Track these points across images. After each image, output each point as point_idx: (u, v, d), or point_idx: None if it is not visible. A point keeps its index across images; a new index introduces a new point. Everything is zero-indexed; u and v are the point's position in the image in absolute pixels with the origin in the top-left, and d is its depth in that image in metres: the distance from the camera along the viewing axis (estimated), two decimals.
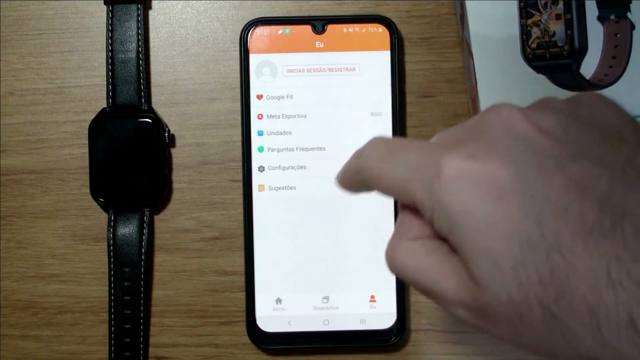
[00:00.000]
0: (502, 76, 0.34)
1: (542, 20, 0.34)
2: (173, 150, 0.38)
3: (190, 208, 0.38)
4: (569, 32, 0.34)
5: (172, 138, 0.38)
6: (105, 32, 0.37)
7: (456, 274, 0.19)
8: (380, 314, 0.36)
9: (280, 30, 0.36)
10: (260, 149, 0.36)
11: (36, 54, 0.38)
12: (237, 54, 0.37)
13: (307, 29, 0.36)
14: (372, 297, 0.36)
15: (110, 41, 0.37)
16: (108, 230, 0.37)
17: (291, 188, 0.36)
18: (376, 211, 0.36)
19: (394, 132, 0.36)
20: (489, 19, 0.34)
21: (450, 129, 0.21)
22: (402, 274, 0.21)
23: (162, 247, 0.38)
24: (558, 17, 0.34)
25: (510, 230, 0.17)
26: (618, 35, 0.34)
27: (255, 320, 0.36)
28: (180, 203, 0.38)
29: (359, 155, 0.22)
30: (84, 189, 0.37)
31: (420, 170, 0.19)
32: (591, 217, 0.17)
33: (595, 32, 0.34)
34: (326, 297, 0.36)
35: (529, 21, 0.34)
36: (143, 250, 0.37)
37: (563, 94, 0.34)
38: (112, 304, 0.36)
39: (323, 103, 0.36)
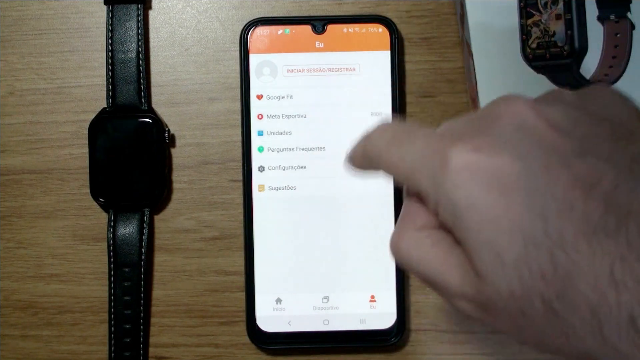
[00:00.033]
0: (502, 76, 0.34)
1: (542, 20, 0.34)
2: (173, 150, 0.38)
3: (190, 208, 0.38)
4: (569, 32, 0.34)
5: (172, 138, 0.38)
6: (105, 32, 0.37)
7: (460, 267, 0.19)
8: (380, 314, 0.36)
9: (280, 30, 0.36)
10: (260, 149, 0.36)
11: (36, 54, 0.38)
12: (237, 54, 0.37)
13: (307, 29, 0.36)
14: (372, 297, 0.36)
15: (110, 41, 0.37)
16: (108, 230, 0.37)
17: (291, 188, 0.36)
18: (376, 211, 0.36)
19: None
20: (489, 19, 0.34)
21: (457, 119, 0.21)
22: (406, 264, 0.21)
23: (162, 247, 0.38)
24: (558, 17, 0.34)
25: (514, 225, 0.17)
26: (618, 35, 0.34)
27: (255, 320, 0.36)
28: (180, 203, 0.38)
29: (366, 138, 0.22)
30: (84, 189, 0.37)
31: (426, 160, 0.19)
32: (596, 215, 0.17)
33: (595, 32, 0.34)
34: (326, 297, 0.36)
35: (529, 21, 0.34)
36: (143, 250, 0.37)
37: None
38: (112, 304, 0.36)
39: (323, 103, 0.36)
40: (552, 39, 0.34)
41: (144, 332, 0.37)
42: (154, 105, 0.38)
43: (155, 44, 0.38)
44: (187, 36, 0.38)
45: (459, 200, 0.18)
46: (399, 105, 0.36)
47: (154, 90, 0.38)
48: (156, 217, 0.38)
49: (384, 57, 0.36)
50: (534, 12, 0.34)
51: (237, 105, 0.37)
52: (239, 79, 0.37)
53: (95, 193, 0.36)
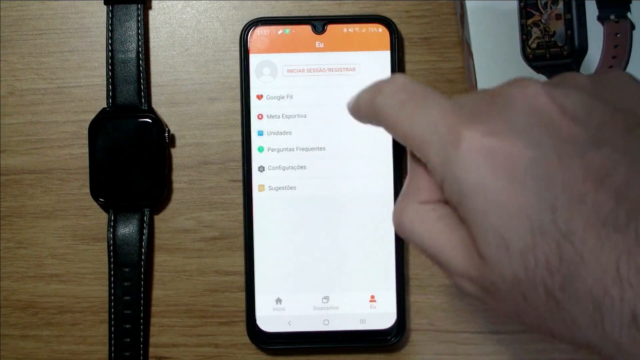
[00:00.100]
0: (502, 76, 0.34)
1: (542, 20, 0.34)
2: (173, 150, 0.38)
3: (190, 208, 0.38)
4: (569, 32, 0.34)
5: (172, 138, 0.38)
6: (105, 32, 0.37)
7: (463, 246, 0.19)
8: (380, 314, 0.36)
9: (280, 30, 0.36)
10: (260, 149, 0.36)
11: (36, 54, 0.38)
12: (237, 54, 0.37)
13: (307, 29, 0.36)
14: (372, 297, 0.36)
15: (110, 41, 0.37)
16: (108, 230, 0.37)
17: (291, 188, 0.36)
18: (376, 211, 0.36)
19: None
20: (489, 19, 0.34)
21: (471, 96, 0.20)
22: (408, 238, 0.21)
23: (162, 247, 0.38)
24: (558, 17, 0.34)
25: (523, 213, 0.17)
26: (618, 35, 0.34)
27: (255, 320, 0.36)
28: (180, 203, 0.38)
29: (377, 91, 0.22)
30: (84, 189, 0.37)
31: (438, 134, 0.19)
32: (606, 208, 0.17)
33: (595, 32, 0.34)
34: (326, 297, 0.36)
35: (529, 21, 0.34)
36: (143, 250, 0.37)
37: None
38: (112, 304, 0.36)
39: (323, 103, 0.36)
40: (552, 39, 0.34)
41: (144, 332, 0.37)
42: (154, 105, 0.38)
43: (155, 44, 0.38)
44: (187, 36, 0.38)
45: (468, 181, 0.18)
46: None
47: (154, 90, 0.38)
48: (156, 217, 0.38)
49: (384, 57, 0.36)
50: (534, 12, 0.34)
51: (237, 105, 0.37)
52: (239, 79, 0.37)
53: (95, 193, 0.36)
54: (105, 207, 0.37)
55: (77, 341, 0.37)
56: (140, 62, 0.37)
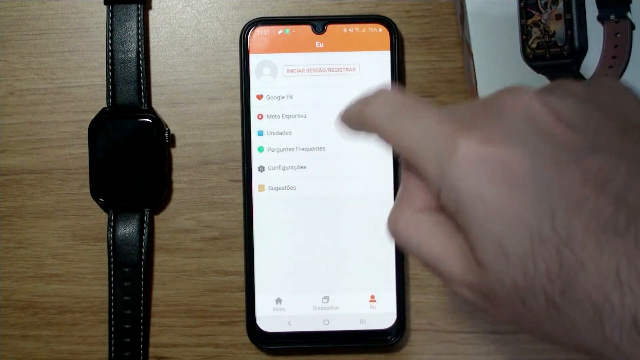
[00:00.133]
0: (502, 76, 0.34)
1: (542, 20, 0.34)
2: (173, 150, 0.38)
3: (190, 208, 0.38)
4: (569, 32, 0.34)
5: (172, 138, 0.38)
6: (105, 32, 0.37)
7: (461, 254, 0.19)
8: (380, 314, 0.36)
9: (280, 30, 0.37)
10: (260, 149, 0.36)
11: (36, 54, 0.38)
12: (237, 54, 0.37)
13: (307, 29, 0.36)
14: (372, 297, 0.36)
15: (110, 41, 0.37)
16: (108, 230, 0.37)
17: (291, 188, 0.36)
18: (376, 211, 0.36)
19: None
20: (489, 19, 0.34)
21: (462, 105, 0.20)
22: (404, 246, 0.21)
23: (162, 247, 0.38)
24: (558, 17, 0.34)
25: (522, 220, 0.17)
26: (618, 35, 0.34)
27: (255, 320, 0.36)
28: (180, 203, 0.38)
29: (365, 104, 0.21)
30: (84, 189, 0.37)
31: (432, 144, 0.19)
32: (606, 214, 0.16)
33: (595, 32, 0.34)
34: (326, 297, 0.36)
35: (529, 21, 0.34)
36: (143, 250, 0.37)
37: None
38: (112, 304, 0.36)
39: (323, 103, 0.36)
40: (552, 39, 0.34)
41: (144, 332, 0.37)
42: (154, 105, 0.38)
43: (155, 44, 0.38)
44: (187, 36, 0.38)
45: (466, 190, 0.18)
46: None
47: (154, 90, 0.38)
48: (156, 217, 0.38)
49: (384, 57, 0.36)
50: (534, 12, 0.34)
51: (237, 105, 0.37)
52: (239, 79, 0.37)
53: (95, 193, 0.36)
54: (105, 207, 0.37)
55: (77, 341, 0.37)
56: (140, 62, 0.37)
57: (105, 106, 0.37)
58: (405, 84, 0.38)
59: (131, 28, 0.37)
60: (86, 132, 0.37)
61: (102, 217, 0.37)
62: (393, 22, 0.36)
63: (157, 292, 0.37)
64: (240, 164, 0.37)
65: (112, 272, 0.37)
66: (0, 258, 0.38)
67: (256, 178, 0.36)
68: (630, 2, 0.34)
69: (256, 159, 0.36)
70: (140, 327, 0.37)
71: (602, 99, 0.19)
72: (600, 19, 0.34)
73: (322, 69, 0.36)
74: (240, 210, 0.37)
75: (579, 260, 0.16)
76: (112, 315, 0.36)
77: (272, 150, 0.36)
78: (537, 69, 0.34)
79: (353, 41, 0.36)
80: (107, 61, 0.37)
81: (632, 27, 0.34)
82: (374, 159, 0.36)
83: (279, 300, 0.36)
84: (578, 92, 0.20)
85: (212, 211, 0.38)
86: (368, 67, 0.36)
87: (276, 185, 0.36)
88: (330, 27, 0.36)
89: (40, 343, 0.37)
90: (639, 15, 0.34)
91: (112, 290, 0.37)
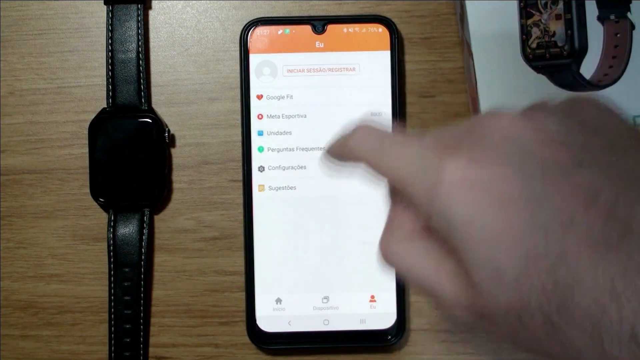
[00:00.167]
0: (502, 76, 0.34)
1: (542, 20, 0.34)
2: (173, 150, 0.38)
3: (190, 208, 0.38)
4: (569, 32, 0.34)
5: (172, 138, 0.38)
6: (105, 32, 0.37)
7: (454, 277, 0.19)
8: (380, 314, 0.36)
9: (280, 30, 0.36)
10: (260, 149, 0.36)
11: (36, 54, 0.38)
12: (237, 54, 0.37)
13: (307, 29, 0.36)
14: (372, 297, 0.36)
15: (110, 41, 0.37)
16: (108, 230, 0.37)
17: (291, 188, 0.36)
18: (376, 211, 0.36)
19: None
20: (489, 19, 0.34)
21: (447, 129, 0.20)
22: (397, 271, 0.21)
23: (162, 247, 0.38)
24: (558, 17, 0.34)
25: (515, 240, 0.17)
26: (618, 35, 0.34)
27: (255, 320, 0.36)
28: (180, 203, 0.38)
29: (348, 137, 0.21)
30: (84, 189, 0.37)
31: (420, 171, 0.19)
32: (598, 228, 0.16)
33: (595, 32, 0.34)
34: (326, 297, 0.36)
35: (529, 21, 0.34)
36: (143, 250, 0.37)
37: (563, 94, 0.34)
38: (112, 304, 0.36)
39: (323, 103, 0.36)
40: (552, 39, 0.34)
41: (144, 332, 0.37)
42: (154, 105, 0.38)
43: (155, 44, 0.38)
44: (187, 36, 0.38)
45: (456, 214, 0.18)
46: (399, 105, 0.36)
47: (154, 90, 0.38)
48: (156, 217, 0.38)
49: (384, 57, 0.36)
50: (534, 12, 0.34)
51: (237, 105, 0.37)
52: (239, 79, 0.37)
53: (95, 193, 0.36)
54: (105, 207, 0.37)
55: (77, 341, 0.37)
56: (140, 62, 0.37)
57: (105, 106, 0.37)
58: (405, 84, 0.38)
59: (131, 28, 0.37)
60: (86, 132, 0.37)
61: (102, 217, 0.37)
62: (393, 22, 0.36)
63: (157, 292, 0.37)
64: (240, 164, 0.37)
65: (112, 272, 0.37)
66: (0, 258, 0.38)
67: (256, 178, 0.36)
68: (630, 2, 0.34)
69: (256, 159, 0.36)
70: (140, 327, 0.37)
71: (584, 116, 0.19)
72: (600, 19, 0.34)
73: (322, 69, 0.36)
74: (240, 210, 0.37)
75: (574, 276, 0.16)
76: (112, 315, 0.36)
77: (272, 150, 0.36)
78: (537, 69, 0.34)
79: (353, 41, 0.36)
80: (107, 61, 0.37)
81: (632, 27, 0.34)
82: None
83: (279, 300, 0.36)
84: (560, 110, 0.20)
85: (212, 211, 0.38)
86: (368, 67, 0.36)
87: (276, 185, 0.36)
88: (330, 27, 0.36)
89: (40, 343, 0.37)
90: (639, 15, 0.34)
91: (112, 290, 0.36)
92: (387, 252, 0.21)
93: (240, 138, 0.37)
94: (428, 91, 0.38)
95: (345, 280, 0.36)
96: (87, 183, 0.36)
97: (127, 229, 0.37)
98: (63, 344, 0.37)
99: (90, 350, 0.37)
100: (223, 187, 0.38)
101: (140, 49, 0.37)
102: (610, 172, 0.17)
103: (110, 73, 0.37)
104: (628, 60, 0.34)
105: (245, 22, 0.37)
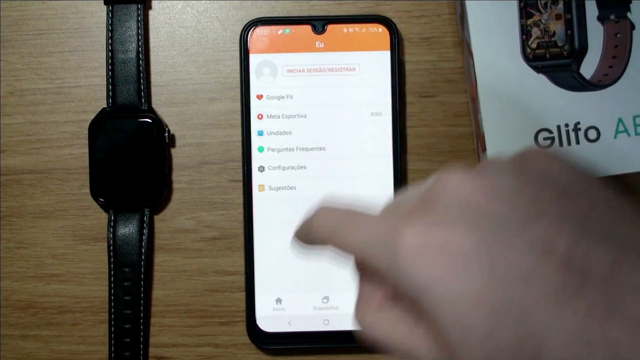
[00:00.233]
0: (502, 76, 0.34)
1: (542, 20, 0.34)
2: (173, 150, 0.38)
3: (190, 208, 0.38)
4: (569, 32, 0.34)
5: (172, 138, 0.38)
6: (105, 32, 0.37)
7: (428, 338, 0.19)
8: None
9: (280, 30, 0.37)
10: (260, 149, 0.36)
11: (36, 54, 0.38)
12: (237, 54, 0.37)
13: (307, 29, 0.36)
14: None
15: (110, 41, 0.37)
16: (108, 230, 0.37)
17: (291, 188, 0.36)
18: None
19: (394, 132, 0.36)
20: (489, 19, 0.34)
21: (400, 198, 0.21)
22: (373, 341, 0.21)
23: (162, 247, 0.38)
24: (558, 17, 0.34)
25: (478, 299, 0.17)
26: (618, 35, 0.34)
27: (255, 320, 0.36)
28: (180, 203, 0.38)
29: (310, 222, 0.23)
30: (84, 189, 0.37)
31: (379, 242, 0.19)
32: (558, 278, 0.17)
33: (595, 32, 0.34)
34: (326, 297, 0.36)
35: (529, 21, 0.34)
36: (143, 250, 0.37)
37: (563, 94, 0.34)
38: (112, 304, 0.36)
39: (323, 103, 0.36)
40: (552, 39, 0.34)
41: (144, 332, 0.37)
42: (154, 105, 0.38)
43: (155, 44, 0.38)
44: (187, 36, 0.38)
45: (418, 278, 0.18)
46: (399, 105, 0.36)
47: (154, 90, 0.38)
48: (156, 217, 0.38)
49: (384, 57, 0.36)
50: (534, 12, 0.34)
51: (237, 105, 0.37)
52: (239, 79, 0.37)
53: (95, 193, 0.36)
54: (105, 207, 0.37)
55: (77, 341, 0.37)
56: (140, 62, 0.37)
57: (105, 106, 0.37)
58: (405, 84, 0.38)
59: (131, 28, 0.37)
60: (86, 132, 0.37)
61: (102, 217, 0.37)
62: (393, 22, 0.36)
63: (157, 292, 0.37)
64: (240, 164, 0.37)
65: (112, 272, 0.37)
66: (0, 258, 0.38)
67: (256, 178, 0.36)
68: (630, 2, 0.34)
69: (256, 159, 0.36)
70: (140, 327, 0.37)
71: (532, 169, 0.20)
72: (600, 19, 0.34)
73: (322, 69, 0.36)
74: (240, 210, 0.37)
75: (542, 325, 0.17)
76: (112, 315, 0.36)
77: (272, 150, 0.36)
78: (537, 69, 0.34)
79: (353, 41, 0.36)
80: (107, 61, 0.37)
81: (632, 27, 0.34)
82: (374, 159, 0.36)
83: (279, 300, 0.36)
84: (510, 166, 0.20)
85: (212, 211, 0.38)
86: (368, 67, 0.36)
87: (276, 185, 0.36)
88: (330, 27, 0.36)
89: (40, 343, 0.37)
90: (639, 15, 0.34)
91: (112, 290, 0.36)
92: (363, 324, 0.22)
93: (240, 138, 0.37)
94: (428, 91, 0.38)
95: (345, 280, 0.36)
96: (87, 183, 0.36)
97: (127, 229, 0.37)
98: (63, 344, 0.37)
99: (90, 350, 0.37)
100: (223, 187, 0.38)
101: (140, 49, 0.37)
102: (563, 221, 0.18)
103: (110, 73, 0.37)
104: (628, 60, 0.34)
105: (245, 22, 0.37)
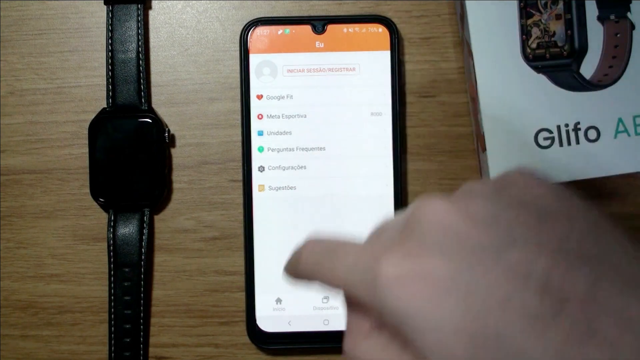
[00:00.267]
0: (502, 76, 0.34)
1: (542, 20, 0.34)
2: (173, 150, 0.38)
3: (190, 208, 0.38)
4: (569, 32, 0.34)
5: (172, 138, 0.38)
6: (105, 32, 0.37)
7: None
8: None
9: (280, 30, 0.37)
10: (260, 149, 0.36)
11: (36, 54, 0.38)
12: (237, 54, 0.37)
13: (307, 29, 0.36)
14: None
15: (110, 41, 0.37)
16: (108, 230, 0.37)
17: (291, 188, 0.36)
18: (376, 211, 0.36)
19: (394, 132, 0.36)
20: (489, 19, 0.34)
21: (381, 227, 0.22)
22: None
23: (162, 247, 0.38)
24: (558, 17, 0.34)
25: (457, 326, 0.17)
26: (618, 35, 0.34)
27: (255, 320, 0.36)
28: (180, 203, 0.38)
29: (298, 254, 0.23)
30: (84, 189, 0.37)
31: (360, 274, 0.20)
32: (534, 303, 0.17)
33: (595, 32, 0.34)
34: (326, 297, 0.36)
35: (529, 21, 0.34)
36: (143, 250, 0.37)
37: (563, 94, 0.34)
38: (112, 304, 0.36)
39: (323, 103, 0.36)
40: (552, 39, 0.34)
41: (144, 332, 0.37)
42: (154, 105, 0.38)
43: (155, 44, 0.38)
44: (187, 36, 0.38)
45: (399, 308, 0.18)
46: (399, 105, 0.36)
47: (154, 90, 0.38)
48: (156, 217, 0.38)
49: (384, 57, 0.36)
50: (534, 12, 0.34)
51: (237, 105, 0.37)
52: (239, 79, 0.37)
53: (95, 193, 0.36)
54: (105, 207, 0.37)
55: (77, 341, 0.37)
56: (140, 62, 0.37)
57: (105, 106, 0.37)
58: (405, 84, 0.38)
59: (131, 28, 0.37)
60: (86, 132, 0.37)
61: (102, 217, 0.37)
62: (393, 22, 0.36)
63: (157, 292, 0.37)
64: (240, 164, 0.37)
65: (112, 272, 0.37)
66: (0, 258, 0.38)
67: (256, 178, 0.36)
68: (630, 2, 0.34)
69: (256, 159, 0.36)
70: (140, 327, 0.37)
71: (510, 193, 0.20)
72: (600, 19, 0.34)
73: (322, 69, 0.36)
74: (240, 210, 0.37)
75: (521, 351, 0.17)
76: (112, 315, 0.36)
77: (272, 150, 0.36)
78: (537, 69, 0.34)
79: (353, 41, 0.36)
80: (107, 61, 0.37)
81: (632, 27, 0.34)
82: (374, 159, 0.36)
83: (279, 300, 0.36)
84: (485, 192, 0.20)
85: (212, 211, 0.38)
86: (368, 67, 0.36)
87: (276, 185, 0.36)
88: (330, 27, 0.36)
89: (40, 343, 0.37)
90: (639, 15, 0.34)
91: (112, 290, 0.37)
92: (352, 353, 0.22)
93: (240, 138, 0.37)
94: (428, 91, 0.38)
95: None
96: (87, 183, 0.37)
97: (127, 229, 0.37)
98: (63, 344, 0.37)
99: (90, 350, 0.37)
100: (223, 187, 0.38)
101: (140, 49, 0.37)
102: (541, 245, 0.18)
103: (110, 73, 0.37)
104: (628, 60, 0.34)
105: (245, 22, 0.37)
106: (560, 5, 0.34)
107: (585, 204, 0.20)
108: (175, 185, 0.38)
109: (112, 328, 0.36)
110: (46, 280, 0.37)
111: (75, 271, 0.37)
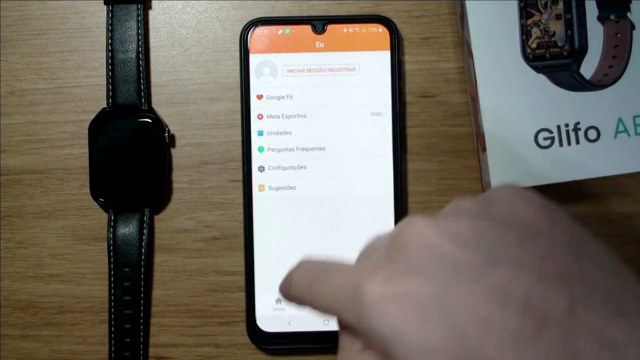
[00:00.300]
0: (502, 76, 0.34)
1: (542, 20, 0.34)
2: (173, 150, 0.38)
3: (190, 208, 0.38)
4: (569, 32, 0.34)
5: (172, 138, 0.38)
6: (105, 32, 0.37)
7: None
8: None
9: (280, 30, 0.37)
10: (260, 149, 0.36)
11: (36, 54, 0.38)
12: (237, 54, 0.37)
13: (307, 29, 0.36)
14: None
15: (110, 41, 0.37)
16: (108, 230, 0.37)
17: (291, 188, 0.36)
18: (376, 211, 0.36)
19: (394, 132, 0.36)
20: (489, 19, 0.34)
21: (370, 247, 0.22)
22: None
23: (162, 247, 0.38)
24: (558, 17, 0.34)
25: (439, 347, 0.18)
26: (618, 35, 0.34)
27: (255, 320, 0.36)
28: (180, 203, 0.38)
29: (288, 283, 0.23)
30: (84, 189, 0.37)
31: (345, 297, 0.20)
32: (515, 324, 0.17)
33: (595, 32, 0.34)
34: None
35: (529, 21, 0.34)
36: (143, 250, 0.37)
37: (563, 94, 0.34)
38: (112, 304, 0.36)
39: (323, 103, 0.36)
40: (552, 39, 0.34)
41: (144, 332, 0.37)
42: (154, 105, 0.38)
43: (155, 44, 0.38)
44: (187, 36, 0.38)
45: (382, 329, 0.18)
46: (399, 105, 0.36)
47: (154, 90, 0.38)
48: (156, 217, 0.38)
49: (384, 57, 0.36)
50: (534, 12, 0.34)
51: (237, 105, 0.37)
52: (239, 79, 0.37)
53: (95, 193, 0.36)
54: (105, 207, 0.37)
55: (77, 341, 0.37)
56: (140, 62, 0.37)
57: (105, 106, 0.37)
58: (405, 84, 0.38)
59: (131, 28, 0.37)
60: (86, 132, 0.37)
61: (102, 217, 0.37)
62: (393, 22, 0.36)
63: (157, 292, 0.37)
64: (240, 164, 0.37)
65: (112, 272, 0.37)
66: (0, 258, 0.38)
67: (256, 178, 0.36)
68: (630, 2, 0.34)
69: (256, 159, 0.36)
70: (140, 327, 0.37)
71: (495, 211, 0.20)
72: (600, 19, 0.34)
73: (322, 69, 0.36)
74: (240, 210, 0.37)
75: None
76: (112, 315, 0.36)
77: (272, 150, 0.36)
78: (537, 69, 0.34)
79: (353, 41, 0.36)
80: (107, 61, 0.37)
81: (632, 27, 0.34)
82: (374, 159, 0.36)
83: (279, 300, 0.36)
84: (470, 210, 0.20)
85: (212, 211, 0.38)
86: (368, 67, 0.36)
87: (276, 185, 0.36)
88: (330, 27, 0.36)
89: (40, 343, 0.37)
90: (639, 15, 0.34)
91: (112, 290, 0.37)
92: None
93: (240, 138, 0.37)
94: (428, 91, 0.38)
95: None
96: (87, 183, 0.37)
97: (127, 229, 0.37)
98: (63, 344, 0.37)
99: (90, 350, 0.37)
100: (223, 187, 0.38)
101: (140, 49, 0.37)
102: (522, 265, 0.18)
103: (110, 73, 0.37)
104: (628, 60, 0.34)
105: (245, 22, 0.37)
106: (560, 5, 0.34)
107: (570, 219, 0.20)
108: (175, 185, 0.38)
109: (112, 328, 0.36)
110: (46, 280, 0.37)
111: (75, 271, 0.37)
